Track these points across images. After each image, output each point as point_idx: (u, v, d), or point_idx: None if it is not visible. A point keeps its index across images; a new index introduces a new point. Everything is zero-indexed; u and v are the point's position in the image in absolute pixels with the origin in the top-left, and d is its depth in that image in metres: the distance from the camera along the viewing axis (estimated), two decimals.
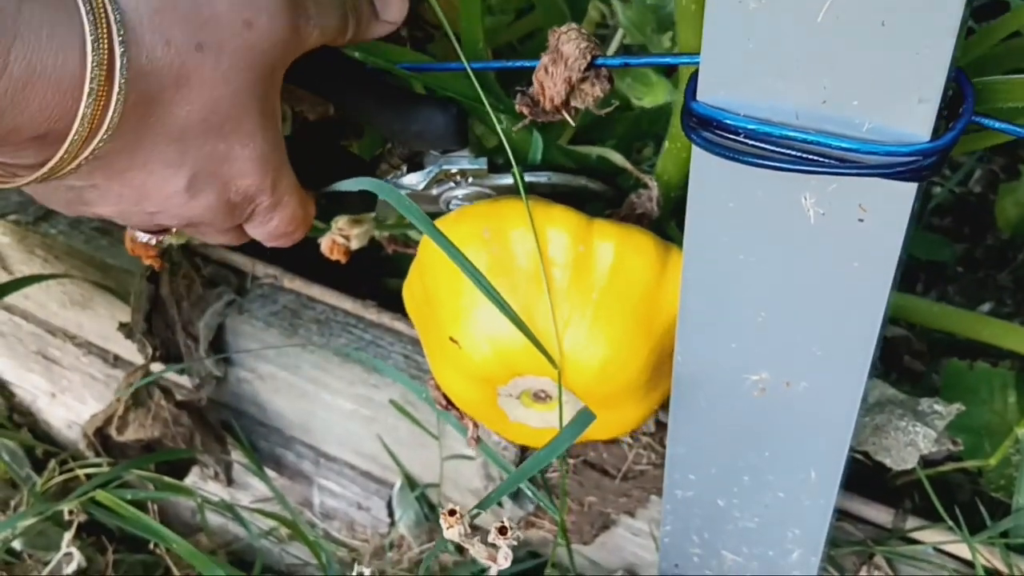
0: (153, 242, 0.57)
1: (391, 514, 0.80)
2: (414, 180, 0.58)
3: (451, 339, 0.53)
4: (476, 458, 0.71)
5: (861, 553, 0.60)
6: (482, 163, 0.56)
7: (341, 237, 0.63)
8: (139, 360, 0.79)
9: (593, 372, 0.50)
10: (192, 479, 0.87)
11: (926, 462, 0.60)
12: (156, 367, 0.80)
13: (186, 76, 0.42)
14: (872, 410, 0.56)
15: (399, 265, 0.76)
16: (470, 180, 0.58)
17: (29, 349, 0.95)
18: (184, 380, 0.82)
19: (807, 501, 0.49)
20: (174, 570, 0.81)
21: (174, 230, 0.56)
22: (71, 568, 0.71)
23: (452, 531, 0.38)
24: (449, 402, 0.57)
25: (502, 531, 0.37)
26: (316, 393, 0.77)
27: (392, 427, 0.74)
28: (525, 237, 0.51)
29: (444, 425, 0.71)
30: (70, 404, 0.96)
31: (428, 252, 0.54)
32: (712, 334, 0.45)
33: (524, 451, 0.66)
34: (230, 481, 0.84)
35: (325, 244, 0.64)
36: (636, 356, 0.50)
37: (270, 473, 0.85)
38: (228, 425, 0.85)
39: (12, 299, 0.92)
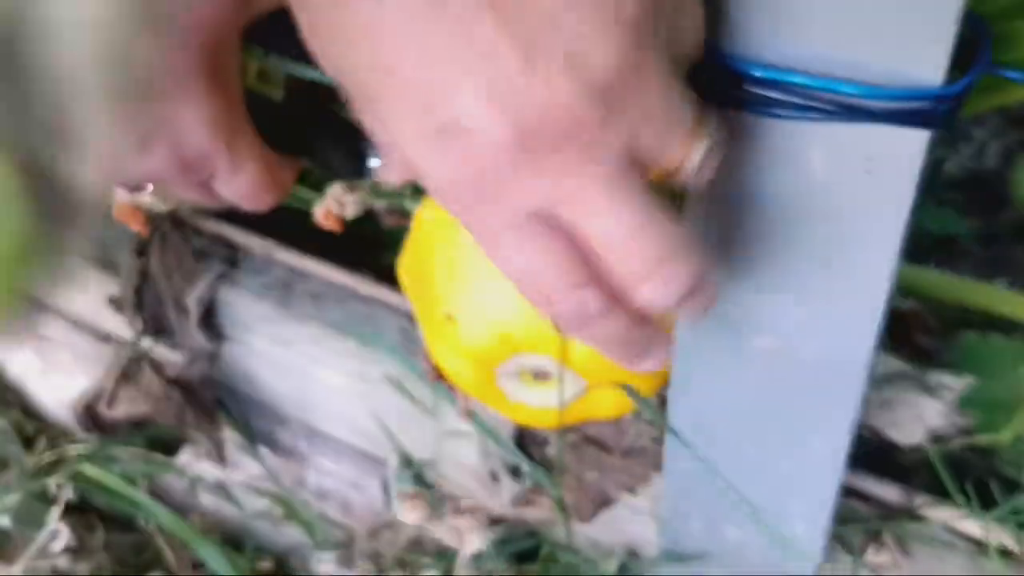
0: (135, 199, 0.57)
1: (387, 493, 0.78)
2: None
3: (447, 316, 0.51)
4: (473, 435, 0.69)
5: (869, 530, 0.58)
6: None
7: (335, 205, 0.61)
8: (130, 336, 0.78)
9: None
10: (184, 459, 0.86)
11: (936, 439, 0.57)
12: (147, 342, 0.78)
13: None
14: (880, 384, 0.54)
15: (396, 239, 0.74)
16: None
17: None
18: (176, 357, 0.80)
19: (813, 473, 0.47)
20: (166, 551, 0.80)
21: (151, 187, 0.55)
22: (59, 545, 0.69)
23: (413, 515, 0.36)
24: (440, 374, 0.55)
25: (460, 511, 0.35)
26: (310, 368, 0.75)
27: (388, 403, 0.72)
28: None
29: (440, 401, 0.69)
30: (60, 382, 0.94)
31: (423, 225, 0.52)
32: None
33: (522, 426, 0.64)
34: (222, 458, 0.82)
35: (319, 212, 0.62)
36: None
37: (264, 452, 0.84)
38: (221, 403, 0.83)
39: None
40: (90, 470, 0.67)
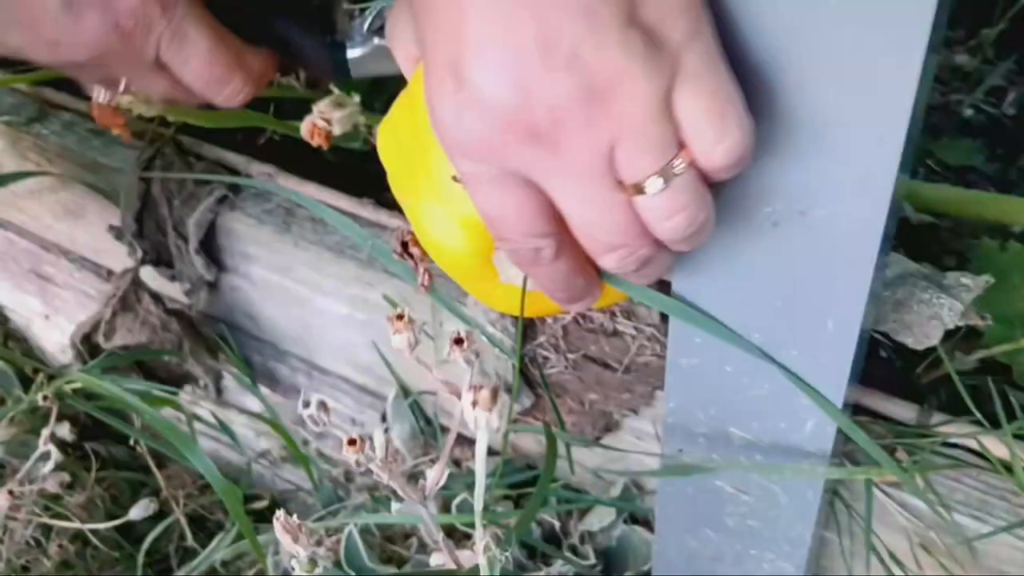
0: (109, 100, 0.57)
1: (385, 427, 0.76)
2: (359, 26, 0.55)
3: (453, 178, 0.48)
4: (473, 362, 0.67)
5: (882, 448, 0.55)
6: None
7: (322, 120, 0.60)
8: (129, 265, 0.77)
9: None
10: (183, 398, 0.84)
11: (951, 348, 0.55)
12: (146, 272, 0.77)
13: None
14: (893, 284, 0.52)
15: None
16: None
17: (23, 268, 0.92)
18: (176, 292, 0.79)
19: (823, 359, 0.45)
20: (161, 483, 0.78)
21: (122, 88, 0.55)
22: (48, 467, 0.68)
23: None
24: (405, 249, 0.53)
25: (458, 342, 0.33)
26: (310, 297, 0.73)
27: (387, 330, 0.71)
28: None
29: (441, 327, 0.68)
30: (64, 326, 0.93)
31: (421, 86, 0.50)
32: None
33: (522, 338, 0.62)
34: (219, 392, 0.81)
35: (305, 128, 0.61)
36: None
37: (263, 390, 0.82)
38: (221, 338, 0.81)
39: (7, 214, 0.90)
40: (82, 376, 0.66)
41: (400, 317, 0.34)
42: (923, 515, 0.54)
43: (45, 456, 0.69)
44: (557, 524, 0.68)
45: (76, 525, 0.70)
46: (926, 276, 0.51)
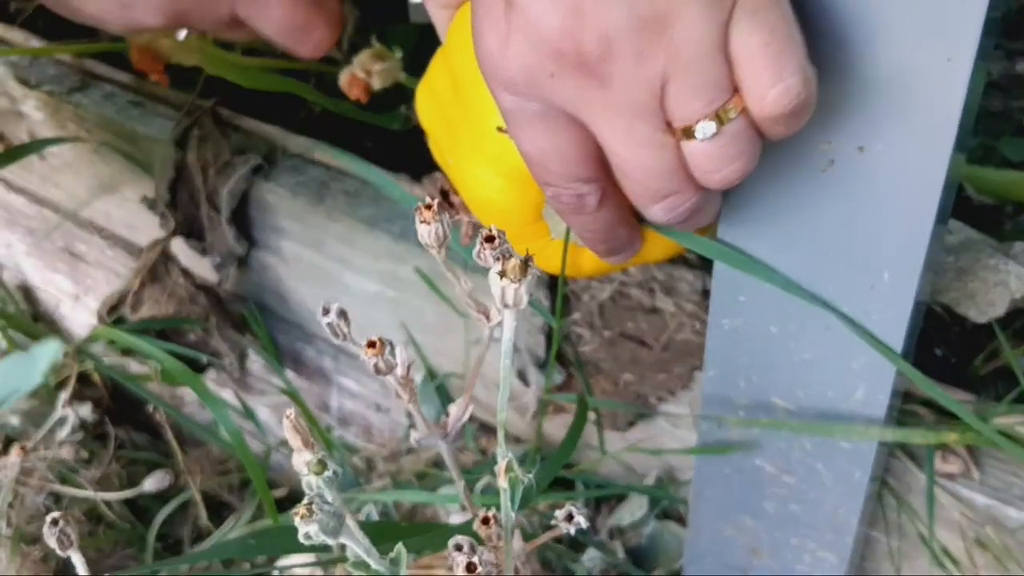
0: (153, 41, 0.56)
1: (409, 415, 0.73)
2: None
3: (498, 129, 0.46)
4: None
5: (935, 437, 0.52)
6: None
7: (362, 72, 0.59)
8: (160, 235, 0.76)
9: None
10: (208, 379, 0.83)
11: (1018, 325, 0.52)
12: (177, 247, 0.76)
13: None
14: (956, 251, 0.49)
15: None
16: None
17: (56, 246, 0.92)
18: (205, 270, 0.77)
19: (877, 315, 0.41)
20: (181, 462, 0.76)
21: (182, 33, 0.54)
22: (65, 431, 0.66)
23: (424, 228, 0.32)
24: (445, 198, 0.51)
25: (489, 240, 0.31)
26: (340, 273, 0.71)
27: (417, 310, 0.69)
28: None
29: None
30: (92, 307, 0.92)
31: (462, 34, 0.49)
32: None
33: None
34: (243, 370, 0.79)
35: (344, 79, 0.60)
36: None
37: (288, 374, 0.80)
38: (247, 322, 0.80)
39: (44, 189, 0.89)
40: (102, 331, 0.64)
41: (429, 207, 0.31)
42: (979, 510, 0.50)
43: (62, 422, 0.68)
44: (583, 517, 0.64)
45: (88, 493, 0.68)
46: (992, 244, 0.48)
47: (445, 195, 0.58)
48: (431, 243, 0.32)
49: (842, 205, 0.40)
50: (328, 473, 0.31)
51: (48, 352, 0.37)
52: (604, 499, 0.65)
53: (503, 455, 0.34)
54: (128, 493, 0.68)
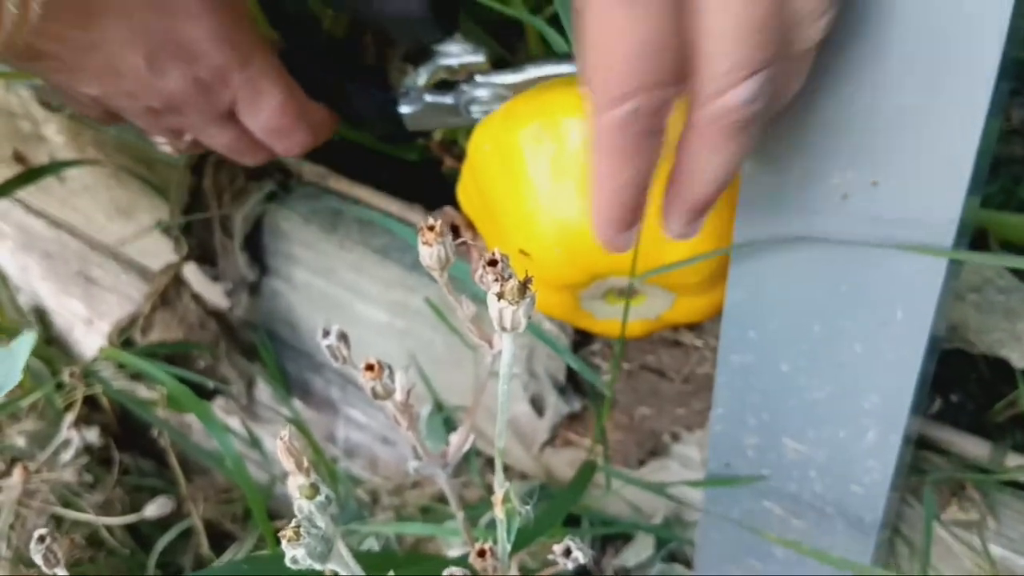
0: (173, 152, 0.59)
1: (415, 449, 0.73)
2: (413, 83, 0.56)
3: (521, 251, 0.48)
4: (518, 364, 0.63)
5: (950, 484, 0.50)
6: (479, 56, 0.54)
7: None
8: (173, 260, 0.76)
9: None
10: (215, 407, 0.82)
11: None
12: (189, 273, 0.76)
13: None
14: (1006, 292, 0.48)
15: (453, 180, 0.71)
16: (478, 79, 0.54)
17: (72, 270, 0.92)
18: (216, 297, 0.77)
19: (890, 353, 0.41)
20: (183, 488, 0.75)
21: (188, 138, 0.56)
22: (70, 454, 0.65)
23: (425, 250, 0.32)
24: (456, 233, 0.53)
25: (492, 264, 0.30)
26: (350, 302, 0.71)
27: (427, 342, 0.68)
28: (583, 127, 0.46)
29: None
30: (104, 331, 0.92)
31: (481, 156, 0.50)
32: (787, 126, 0.38)
33: (576, 344, 0.59)
34: (251, 398, 0.78)
35: None
36: (724, 234, 0.44)
37: (296, 403, 0.80)
38: (258, 345, 0.80)
39: (63, 213, 0.90)
40: (107, 351, 0.64)
41: (431, 228, 0.31)
42: (994, 561, 0.49)
43: (67, 444, 0.67)
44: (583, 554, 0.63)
45: (90, 517, 0.67)
46: None
47: (456, 230, 0.58)
48: (433, 265, 0.32)
49: (856, 238, 0.39)
50: (320, 498, 0.30)
51: (25, 345, 0.36)
52: (610, 538, 0.64)
53: (500, 484, 0.33)
54: (129, 519, 0.67)
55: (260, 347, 0.78)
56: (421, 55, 0.56)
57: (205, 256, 0.75)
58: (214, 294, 0.77)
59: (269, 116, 0.55)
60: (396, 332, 0.70)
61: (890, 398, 0.42)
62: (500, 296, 0.27)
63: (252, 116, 0.55)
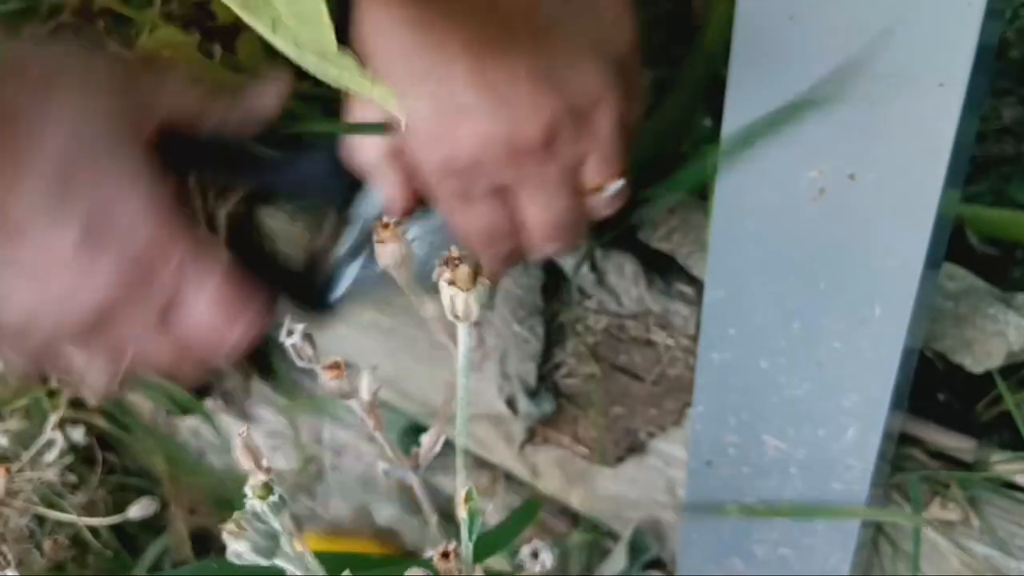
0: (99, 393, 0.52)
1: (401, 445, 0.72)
2: (345, 250, 0.52)
3: None
4: (492, 366, 0.63)
5: (933, 483, 0.50)
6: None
7: None
8: None
9: None
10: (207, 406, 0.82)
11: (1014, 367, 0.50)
12: None
13: (49, 88, 0.42)
14: (956, 298, 0.47)
15: None
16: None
17: None
18: None
19: (869, 351, 0.40)
20: (168, 490, 0.75)
21: (123, 360, 0.49)
22: (53, 454, 0.65)
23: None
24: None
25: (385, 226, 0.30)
26: None
27: (411, 340, 0.68)
28: None
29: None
30: None
31: None
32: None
33: (550, 344, 0.58)
34: (246, 396, 0.78)
35: None
36: None
37: (284, 403, 0.79)
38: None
39: None
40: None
41: (386, 226, 0.30)
42: (980, 560, 0.48)
43: (51, 444, 0.67)
44: (550, 557, 0.63)
45: (71, 518, 0.66)
46: (993, 294, 0.47)
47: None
48: (390, 264, 0.31)
49: (834, 235, 0.39)
50: (273, 498, 0.29)
51: None
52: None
53: (463, 484, 0.33)
54: (112, 519, 0.67)
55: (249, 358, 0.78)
56: (341, 223, 0.52)
57: None
58: None
59: (207, 312, 0.47)
60: (382, 331, 0.70)
61: (869, 396, 0.41)
62: (451, 283, 0.27)
63: (191, 314, 0.47)
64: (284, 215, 0.70)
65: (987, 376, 0.56)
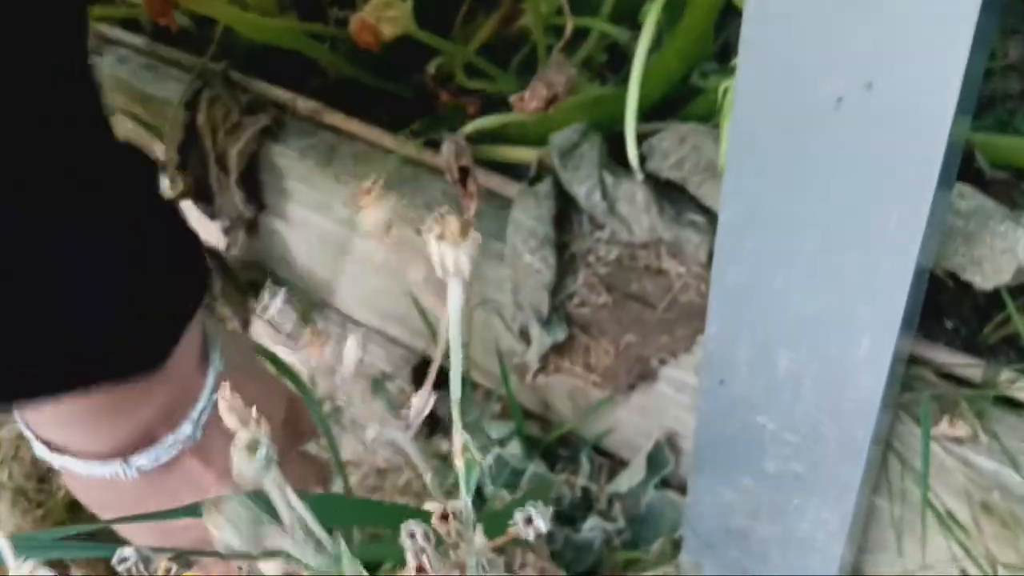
0: None
1: (415, 382, 0.73)
2: None
3: None
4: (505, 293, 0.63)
5: (941, 401, 0.51)
6: None
7: (372, 18, 0.59)
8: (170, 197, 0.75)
9: None
10: None
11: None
12: (186, 206, 0.76)
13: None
14: (966, 216, 0.48)
15: (451, 115, 0.71)
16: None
17: None
18: (213, 237, 0.77)
19: (885, 263, 0.41)
20: None
21: None
22: None
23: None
24: (465, 175, 0.53)
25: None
26: (347, 238, 0.71)
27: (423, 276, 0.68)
28: None
29: (478, 269, 0.65)
30: None
31: None
32: (782, 30, 0.38)
33: (560, 274, 0.59)
34: (246, 335, 0.79)
35: (354, 24, 0.59)
36: None
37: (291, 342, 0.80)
38: (255, 284, 0.80)
39: None
40: None
41: (368, 192, 0.30)
42: (986, 474, 0.49)
43: None
44: (575, 489, 0.64)
45: None
46: (1002, 212, 0.47)
47: (465, 172, 0.57)
48: (373, 231, 0.31)
49: (851, 146, 0.39)
50: (260, 455, 0.29)
51: None
52: (604, 463, 0.65)
53: (458, 431, 0.32)
54: None
55: (256, 292, 0.78)
56: None
57: (202, 194, 0.75)
58: (211, 232, 0.77)
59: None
60: (392, 268, 0.70)
61: (883, 308, 0.42)
62: (440, 237, 0.27)
63: None
64: (293, 152, 0.71)
65: (994, 305, 0.57)
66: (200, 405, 0.41)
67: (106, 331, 0.39)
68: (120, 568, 0.34)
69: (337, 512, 0.43)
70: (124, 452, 0.41)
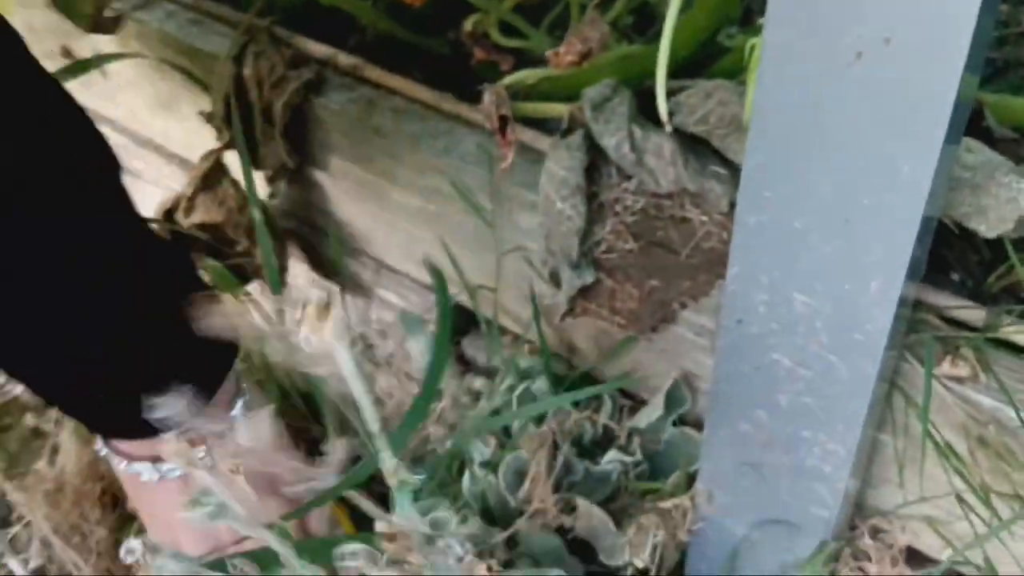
0: None
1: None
2: None
3: None
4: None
5: (944, 343, 0.54)
6: None
7: None
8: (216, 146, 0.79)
9: None
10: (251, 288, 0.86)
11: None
12: (231, 155, 0.80)
13: None
14: (972, 169, 0.51)
15: (485, 71, 0.75)
16: None
17: None
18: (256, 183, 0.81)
19: (897, 208, 0.44)
20: None
21: None
22: None
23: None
24: (504, 123, 0.56)
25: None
26: (385, 189, 0.75)
27: (457, 225, 0.72)
28: None
29: (503, 219, 0.68)
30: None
31: None
32: None
33: (589, 221, 0.62)
34: (284, 284, 0.83)
35: None
36: None
37: (331, 287, 0.84)
38: (294, 233, 0.84)
39: (106, 109, 0.93)
40: None
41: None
42: (984, 411, 0.53)
43: None
44: (596, 426, 0.68)
45: None
46: (1007, 165, 0.51)
47: (504, 121, 0.61)
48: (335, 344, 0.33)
49: (868, 99, 0.42)
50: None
51: None
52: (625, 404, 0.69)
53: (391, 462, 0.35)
54: None
55: (296, 241, 0.82)
56: None
57: (246, 144, 0.78)
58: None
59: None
60: (428, 216, 0.74)
61: (893, 250, 0.46)
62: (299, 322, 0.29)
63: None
64: (335, 106, 0.74)
65: (999, 258, 0.60)
66: None
67: (107, 336, 0.45)
68: (128, 560, 0.37)
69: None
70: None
